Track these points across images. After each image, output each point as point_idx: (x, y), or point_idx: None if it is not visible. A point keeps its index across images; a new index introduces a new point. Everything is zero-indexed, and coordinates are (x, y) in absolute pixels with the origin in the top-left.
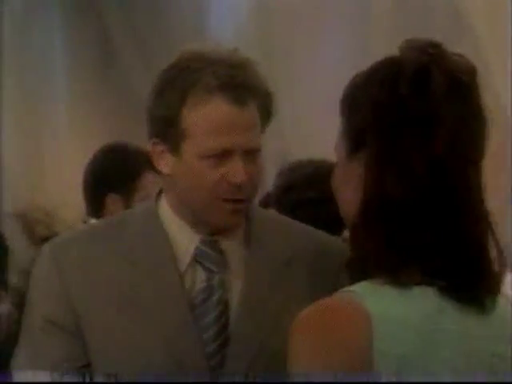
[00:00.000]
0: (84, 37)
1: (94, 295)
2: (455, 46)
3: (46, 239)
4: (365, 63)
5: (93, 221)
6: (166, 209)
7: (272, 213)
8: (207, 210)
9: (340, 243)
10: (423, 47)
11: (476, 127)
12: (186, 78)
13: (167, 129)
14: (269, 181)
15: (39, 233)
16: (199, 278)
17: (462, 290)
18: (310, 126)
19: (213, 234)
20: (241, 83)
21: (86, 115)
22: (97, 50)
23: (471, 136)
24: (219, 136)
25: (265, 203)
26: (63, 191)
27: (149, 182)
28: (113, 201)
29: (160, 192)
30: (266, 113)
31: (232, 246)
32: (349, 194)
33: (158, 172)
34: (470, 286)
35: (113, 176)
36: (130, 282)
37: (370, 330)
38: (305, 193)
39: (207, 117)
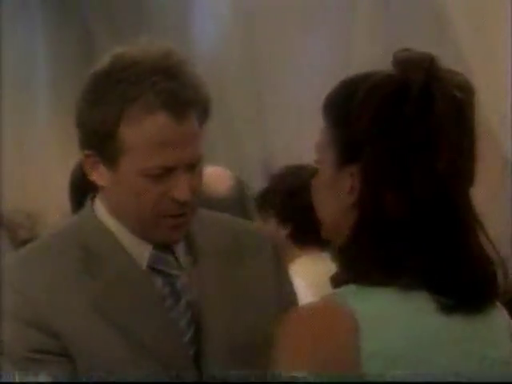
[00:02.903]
0: (66, 41)
1: (68, 315)
2: (437, 47)
3: (27, 242)
4: (349, 67)
5: None
6: (107, 217)
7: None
8: (148, 226)
9: (253, 226)
10: (420, 63)
11: (472, 145)
12: (123, 92)
13: (102, 143)
14: (254, 185)
15: (21, 236)
16: (157, 284)
17: (454, 292)
18: (294, 131)
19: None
20: (182, 99)
21: (69, 118)
22: (78, 52)
23: (469, 154)
24: (161, 154)
25: (260, 204)
26: (46, 195)
27: None
28: None
29: (93, 197)
30: (205, 116)
31: (180, 248)
32: (332, 202)
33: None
34: (462, 289)
35: None
36: (97, 295)
37: (356, 329)
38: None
39: (148, 134)
